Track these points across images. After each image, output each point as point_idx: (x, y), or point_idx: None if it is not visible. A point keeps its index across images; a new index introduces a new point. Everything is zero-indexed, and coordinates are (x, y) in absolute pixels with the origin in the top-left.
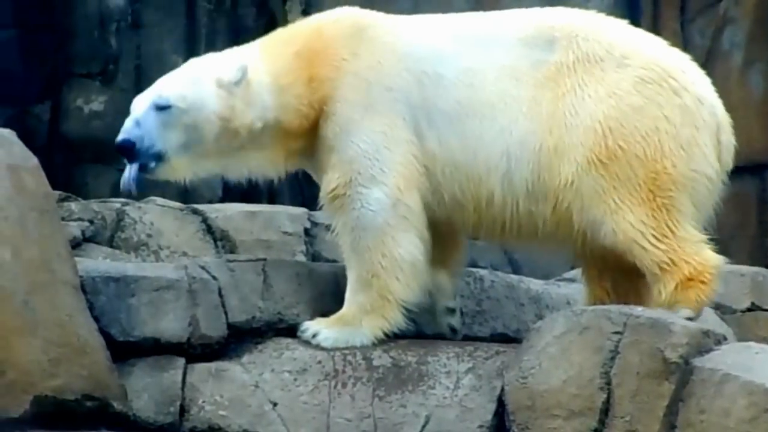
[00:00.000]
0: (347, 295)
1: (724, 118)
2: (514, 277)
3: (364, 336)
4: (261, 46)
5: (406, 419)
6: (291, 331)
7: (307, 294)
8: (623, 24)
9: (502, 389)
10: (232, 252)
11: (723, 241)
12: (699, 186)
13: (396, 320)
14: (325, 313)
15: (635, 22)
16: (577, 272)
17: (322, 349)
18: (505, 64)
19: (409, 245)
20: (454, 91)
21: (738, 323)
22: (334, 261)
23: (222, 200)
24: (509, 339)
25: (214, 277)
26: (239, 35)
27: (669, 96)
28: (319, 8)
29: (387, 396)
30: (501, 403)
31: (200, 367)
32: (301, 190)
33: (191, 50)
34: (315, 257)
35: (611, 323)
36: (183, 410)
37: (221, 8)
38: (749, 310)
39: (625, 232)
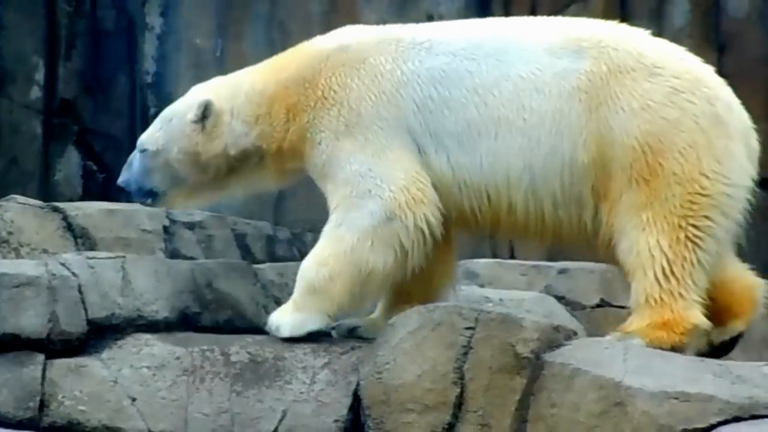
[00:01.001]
0: (298, 274)
1: (750, 124)
2: None
3: (315, 321)
4: (258, 71)
5: (263, 414)
6: (150, 327)
7: (165, 290)
8: (647, 33)
9: (358, 384)
10: (91, 249)
11: None
12: (734, 201)
13: (332, 310)
14: (183, 310)
15: None
16: None
17: (181, 345)
18: (523, 76)
19: (381, 259)
20: (463, 112)
21: (588, 319)
22: (192, 258)
23: (82, 198)
24: None
25: (74, 274)
26: (99, 38)
27: (703, 105)
28: (178, 12)
29: (244, 391)
30: (356, 398)
31: (60, 363)
32: None
33: (51, 52)
34: (173, 254)
35: (463, 319)
36: (42, 405)
37: (81, 10)
38: (599, 306)
39: (640, 254)
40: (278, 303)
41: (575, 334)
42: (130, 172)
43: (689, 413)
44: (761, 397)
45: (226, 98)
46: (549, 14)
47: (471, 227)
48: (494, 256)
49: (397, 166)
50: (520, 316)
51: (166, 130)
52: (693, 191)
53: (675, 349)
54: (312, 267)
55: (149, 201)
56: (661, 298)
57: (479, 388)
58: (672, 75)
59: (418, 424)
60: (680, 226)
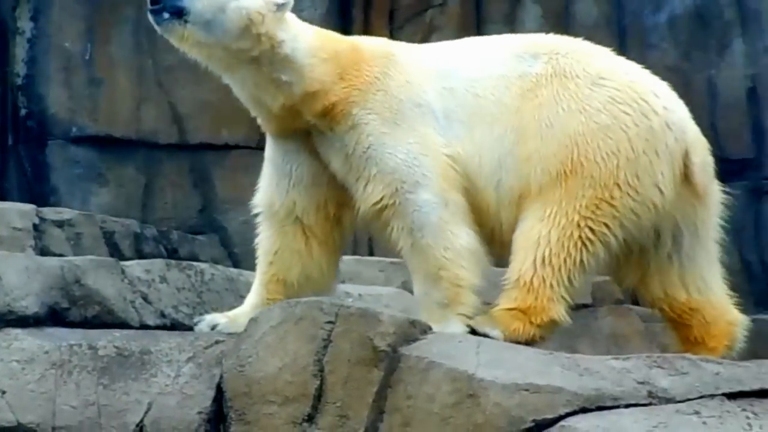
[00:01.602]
0: (419, 299)
1: (695, 141)
2: (233, 271)
3: (456, 327)
4: (317, 29)
5: (129, 406)
6: (20, 322)
7: (35, 287)
8: (607, 50)
9: (221, 377)
10: None
11: None
12: (637, 218)
13: (473, 303)
14: (52, 305)
15: (347, 29)
16: None
17: (50, 340)
18: (500, 74)
19: (466, 236)
20: (465, 102)
21: None
22: (62, 255)
23: None
24: None
25: None
26: None
27: (637, 118)
28: (48, 16)
29: (111, 384)
30: (220, 390)
31: None
32: (30, 187)
33: None
34: (43, 252)
35: (323, 313)
36: None
37: None
38: None
39: (528, 239)
40: (145, 299)
41: (430, 328)
42: None
43: (539, 404)
44: (607, 388)
45: (298, 25)
46: (407, 19)
47: None
48: (354, 253)
49: (436, 154)
50: (379, 311)
51: None
52: (602, 198)
53: (529, 344)
54: (432, 288)
55: (167, 16)
56: (532, 282)
57: (338, 381)
58: (613, 86)
59: (279, 416)
60: (578, 225)
